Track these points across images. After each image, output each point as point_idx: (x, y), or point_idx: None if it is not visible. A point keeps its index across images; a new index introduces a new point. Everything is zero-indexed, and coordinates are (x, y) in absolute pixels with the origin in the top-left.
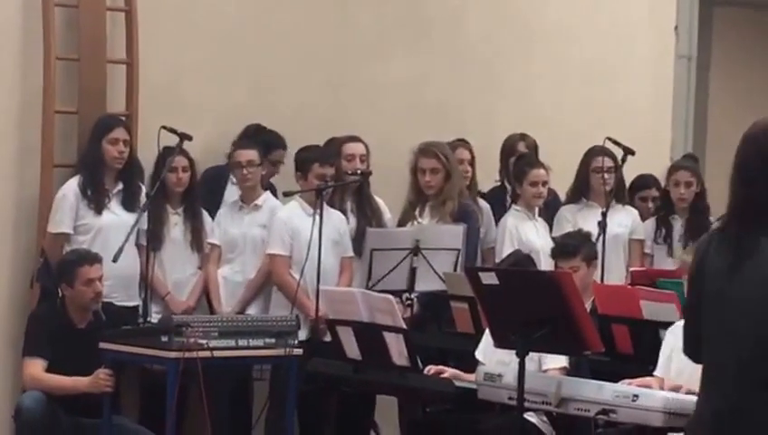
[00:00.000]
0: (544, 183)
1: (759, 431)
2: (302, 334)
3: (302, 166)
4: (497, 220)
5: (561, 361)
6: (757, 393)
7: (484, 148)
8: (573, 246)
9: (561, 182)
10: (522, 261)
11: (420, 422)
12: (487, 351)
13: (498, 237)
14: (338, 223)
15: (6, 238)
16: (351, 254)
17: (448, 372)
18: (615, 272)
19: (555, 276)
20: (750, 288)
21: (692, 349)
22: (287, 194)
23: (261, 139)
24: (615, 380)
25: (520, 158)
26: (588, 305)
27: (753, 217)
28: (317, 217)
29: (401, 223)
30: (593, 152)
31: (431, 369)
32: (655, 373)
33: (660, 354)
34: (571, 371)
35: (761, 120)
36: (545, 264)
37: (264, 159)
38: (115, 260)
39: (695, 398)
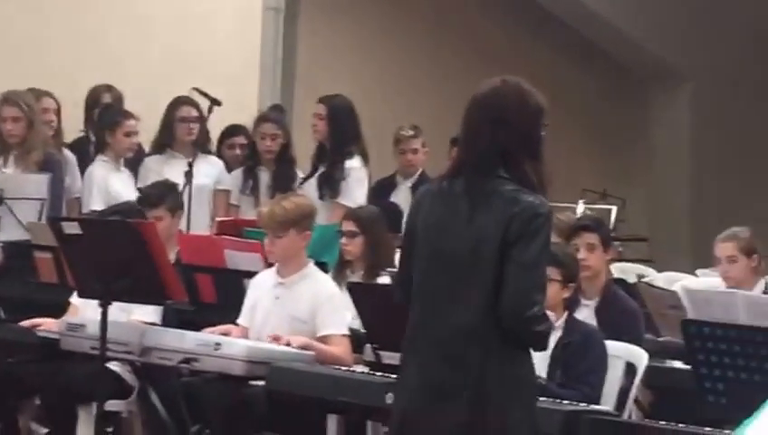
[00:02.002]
0: (136, 133)
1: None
2: None
3: None
4: (82, 171)
5: (149, 314)
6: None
7: (68, 98)
8: (156, 196)
9: (146, 133)
10: (125, 212)
11: (3, 373)
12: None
13: (85, 188)
14: None
15: None
16: None
17: (45, 322)
18: (201, 222)
19: (137, 226)
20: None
21: (402, 293)
22: None
23: None
24: (199, 329)
25: (109, 108)
26: (173, 256)
27: (479, 171)
28: None
29: None
30: (178, 102)
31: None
32: (238, 322)
33: (244, 304)
34: (161, 322)
35: (485, 84)
36: None
37: None
38: None
39: (276, 347)
